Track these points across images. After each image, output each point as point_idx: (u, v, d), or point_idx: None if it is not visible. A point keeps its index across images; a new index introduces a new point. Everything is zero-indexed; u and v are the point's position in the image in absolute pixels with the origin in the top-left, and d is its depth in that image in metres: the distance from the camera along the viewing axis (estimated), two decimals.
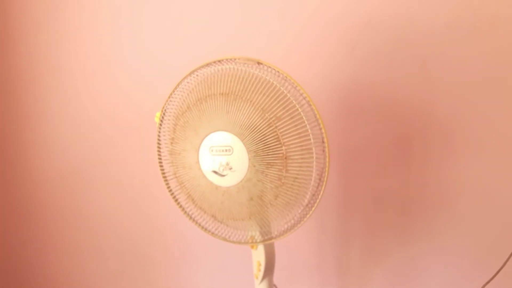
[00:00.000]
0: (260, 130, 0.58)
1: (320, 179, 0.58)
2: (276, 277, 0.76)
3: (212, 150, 0.62)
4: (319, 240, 0.97)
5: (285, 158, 0.57)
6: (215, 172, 0.62)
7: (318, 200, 0.59)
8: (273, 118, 0.57)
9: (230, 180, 0.61)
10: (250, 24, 0.95)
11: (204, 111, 0.62)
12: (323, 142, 0.57)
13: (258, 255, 0.76)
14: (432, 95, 0.85)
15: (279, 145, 0.57)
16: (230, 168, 0.61)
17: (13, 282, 1.16)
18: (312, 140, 0.56)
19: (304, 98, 0.58)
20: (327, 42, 0.91)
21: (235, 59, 0.62)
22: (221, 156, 0.61)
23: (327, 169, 0.57)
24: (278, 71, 0.59)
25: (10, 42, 1.03)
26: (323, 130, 0.57)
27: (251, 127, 0.58)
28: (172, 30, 0.99)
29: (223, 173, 0.62)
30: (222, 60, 0.63)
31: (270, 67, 0.60)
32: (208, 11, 0.96)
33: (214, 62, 0.63)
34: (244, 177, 0.60)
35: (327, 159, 0.57)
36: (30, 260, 1.15)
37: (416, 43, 0.85)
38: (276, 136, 0.57)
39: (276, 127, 0.57)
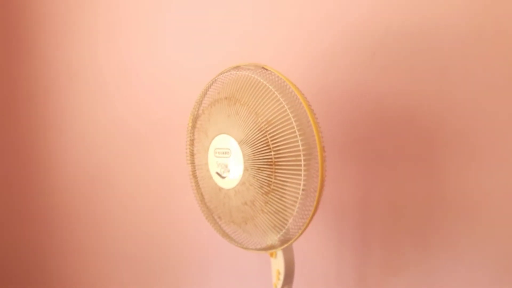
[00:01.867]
0: (253, 134, 0.57)
1: (312, 190, 0.55)
2: (295, 286, 0.74)
3: (216, 152, 0.63)
4: (338, 249, 0.96)
5: (273, 163, 0.55)
6: (217, 173, 0.64)
7: (311, 214, 0.55)
8: (264, 123, 0.56)
9: (229, 182, 0.62)
10: (268, 31, 0.94)
11: (212, 114, 0.65)
12: (316, 150, 0.54)
13: (278, 263, 0.74)
14: (452, 102, 0.83)
15: (268, 150, 0.56)
16: (229, 171, 0.61)
17: (30, 283, 1.18)
18: (300, 147, 0.53)
19: (300, 104, 0.55)
20: (347, 48, 0.89)
21: (243, 65, 0.63)
22: (222, 158, 0.62)
23: (319, 180, 0.53)
24: (279, 76, 0.58)
25: (34, 47, 1.04)
26: (316, 138, 0.54)
27: (245, 131, 0.58)
28: (192, 36, 0.98)
29: (223, 175, 0.63)
30: (239, 66, 0.64)
31: (273, 72, 0.59)
32: (221, 21, 0.95)
33: (231, 69, 0.65)
34: (240, 181, 0.60)
35: (320, 170, 0.53)
36: (48, 261, 1.17)
37: (437, 50, 0.83)
38: (265, 141, 0.56)
39: (266, 131, 0.56)
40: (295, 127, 0.54)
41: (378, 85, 0.89)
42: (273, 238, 0.59)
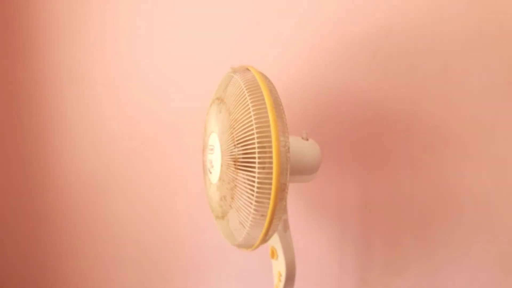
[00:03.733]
0: (225, 131, 0.60)
1: (266, 190, 0.55)
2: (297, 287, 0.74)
3: (208, 149, 0.68)
4: (341, 250, 0.95)
5: (236, 160, 0.58)
6: (208, 169, 0.68)
7: (268, 214, 0.55)
8: (233, 121, 0.59)
9: (214, 177, 0.65)
10: (267, 33, 0.92)
11: (209, 113, 0.70)
12: (270, 150, 0.54)
13: (279, 265, 0.74)
14: (453, 103, 0.83)
15: (233, 147, 0.58)
16: (212, 166, 0.65)
17: (33, 284, 1.17)
18: (256, 145, 0.55)
19: (265, 103, 0.56)
20: (348, 50, 0.86)
21: (234, 68, 0.66)
22: (210, 155, 0.67)
23: (274, 181, 0.54)
24: (255, 76, 0.60)
25: (34, 50, 1.02)
26: (273, 138, 0.54)
27: (221, 128, 0.62)
28: (190, 43, 0.97)
29: (210, 171, 0.67)
30: (232, 68, 0.68)
31: (254, 72, 0.61)
32: (226, 22, 0.94)
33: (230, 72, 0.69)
34: (219, 176, 0.63)
35: (274, 170, 0.53)
36: (50, 262, 1.15)
37: (437, 52, 0.82)
38: (232, 138, 0.58)
39: (233, 128, 0.58)
40: (253, 125, 0.55)
41: (379, 86, 0.86)
42: (241, 235, 0.60)
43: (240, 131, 0.57)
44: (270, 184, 0.53)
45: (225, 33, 0.94)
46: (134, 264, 1.09)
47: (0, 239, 1.13)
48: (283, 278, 0.74)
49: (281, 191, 0.55)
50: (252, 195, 0.55)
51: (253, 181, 0.54)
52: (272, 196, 0.53)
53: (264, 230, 0.56)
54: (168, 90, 0.98)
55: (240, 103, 0.58)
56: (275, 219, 0.56)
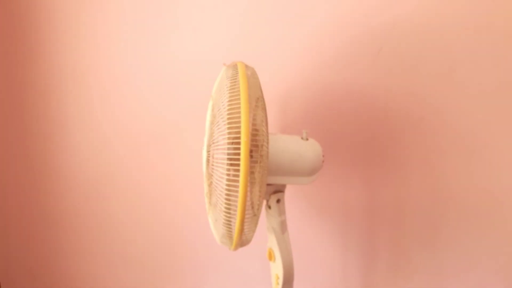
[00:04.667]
0: (208, 127, 0.60)
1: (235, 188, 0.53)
2: None
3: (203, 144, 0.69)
4: (344, 254, 0.93)
5: (212, 157, 0.57)
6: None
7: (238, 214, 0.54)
8: (213, 117, 0.58)
9: (204, 171, 0.66)
10: (268, 28, 0.88)
11: (208, 109, 0.70)
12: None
13: (276, 268, 0.73)
14: (461, 102, 0.80)
15: (211, 143, 0.58)
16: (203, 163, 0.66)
17: (35, 283, 1.16)
18: (226, 140, 0.54)
19: (238, 99, 0.55)
20: (351, 45, 0.83)
21: (228, 64, 0.66)
22: (203, 150, 0.67)
23: (242, 179, 0.52)
24: (238, 72, 0.59)
25: (40, 49, 1.01)
26: (242, 135, 0.52)
27: (207, 124, 0.62)
28: (190, 43, 0.94)
29: (203, 164, 0.67)
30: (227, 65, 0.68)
31: (239, 68, 0.60)
32: (227, 21, 0.91)
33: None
34: (204, 172, 0.63)
35: (241, 168, 0.52)
36: (51, 261, 1.14)
37: (445, 48, 0.79)
38: (211, 134, 0.58)
39: (213, 124, 0.58)
40: (226, 121, 0.54)
41: (384, 84, 0.83)
42: (219, 232, 0.60)
43: (216, 128, 0.56)
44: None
45: (225, 32, 0.92)
46: (137, 262, 1.09)
47: (5, 237, 1.14)
48: (280, 281, 0.72)
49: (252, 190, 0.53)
50: (223, 192, 0.54)
51: (223, 178, 0.54)
52: (240, 195, 0.52)
53: (237, 230, 0.55)
54: (167, 90, 0.97)
55: (220, 99, 0.57)
56: (246, 219, 0.55)
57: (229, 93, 0.55)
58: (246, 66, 0.62)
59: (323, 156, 0.69)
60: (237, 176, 0.52)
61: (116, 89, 1.00)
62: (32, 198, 1.11)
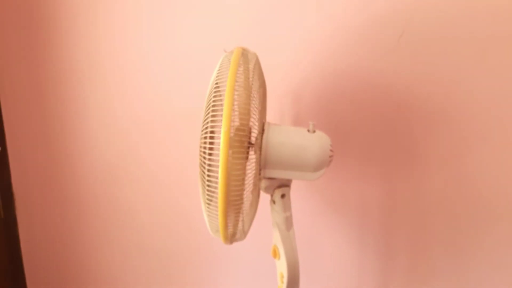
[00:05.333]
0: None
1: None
2: None
3: None
4: (359, 254, 0.88)
5: (200, 146, 0.56)
6: None
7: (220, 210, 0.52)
8: (207, 102, 0.57)
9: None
10: (283, 14, 0.82)
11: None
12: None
13: (281, 266, 0.70)
14: (493, 95, 0.72)
15: (201, 131, 0.56)
16: None
17: (62, 272, 1.20)
18: (209, 129, 0.52)
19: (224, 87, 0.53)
20: (369, 28, 0.76)
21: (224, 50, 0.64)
22: None
23: (221, 170, 0.50)
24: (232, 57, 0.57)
25: (55, 43, 1.02)
26: (223, 122, 0.50)
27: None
28: (201, 37, 0.91)
29: None
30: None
31: (234, 53, 0.58)
32: (239, 7, 0.86)
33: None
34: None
35: (221, 158, 0.50)
36: (74, 249, 1.17)
37: (474, 32, 0.71)
38: (202, 122, 0.57)
39: (204, 112, 0.57)
40: (210, 109, 0.53)
41: (406, 72, 0.76)
42: (207, 223, 0.59)
43: (204, 115, 0.55)
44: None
45: (240, 20, 0.88)
46: (156, 253, 1.10)
47: (28, 222, 1.19)
48: (285, 280, 0.69)
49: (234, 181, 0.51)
50: (204, 182, 0.53)
51: (204, 168, 0.52)
52: (220, 186, 0.50)
53: (221, 224, 0.53)
54: (183, 80, 0.96)
55: (210, 86, 0.56)
56: (229, 212, 0.53)
57: (217, 80, 0.54)
58: (243, 52, 0.59)
59: (332, 150, 0.64)
60: (216, 167, 0.50)
61: (133, 79, 1.00)
62: (53, 187, 1.13)
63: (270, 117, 0.84)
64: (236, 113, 0.54)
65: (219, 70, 0.55)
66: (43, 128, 1.10)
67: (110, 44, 1.00)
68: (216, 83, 0.53)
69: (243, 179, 0.53)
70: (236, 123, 0.54)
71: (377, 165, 0.82)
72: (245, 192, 0.55)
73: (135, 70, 0.99)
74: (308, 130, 0.64)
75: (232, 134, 0.53)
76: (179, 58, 0.95)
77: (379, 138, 0.81)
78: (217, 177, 0.49)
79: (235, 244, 0.97)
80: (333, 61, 0.81)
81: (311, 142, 0.62)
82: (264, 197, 0.72)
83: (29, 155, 1.13)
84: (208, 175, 0.51)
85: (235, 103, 0.52)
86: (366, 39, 0.78)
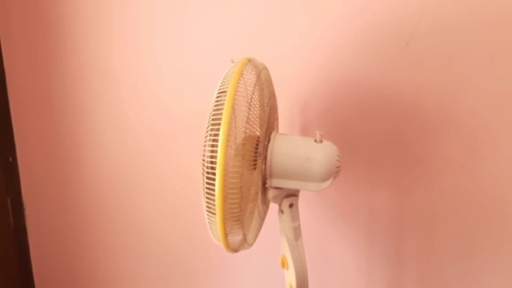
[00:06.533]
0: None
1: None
2: None
3: None
4: (369, 264, 0.87)
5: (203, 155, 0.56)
6: None
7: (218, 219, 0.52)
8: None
9: None
10: (290, 22, 0.82)
11: None
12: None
13: (290, 276, 0.70)
14: (501, 100, 0.72)
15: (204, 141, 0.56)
16: None
17: (71, 281, 1.19)
18: (208, 138, 0.52)
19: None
20: (376, 36, 0.76)
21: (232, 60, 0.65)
22: None
23: (218, 181, 0.50)
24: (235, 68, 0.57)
25: (64, 49, 1.01)
26: (221, 133, 0.50)
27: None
28: (211, 39, 0.91)
29: None
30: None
31: (238, 64, 0.59)
32: (246, 16, 0.87)
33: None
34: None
35: (218, 170, 0.50)
36: (83, 257, 1.16)
37: (481, 39, 0.71)
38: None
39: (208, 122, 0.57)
40: (210, 120, 0.53)
41: (412, 79, 0.76)
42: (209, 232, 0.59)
43: (207, 124, 0.55)
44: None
45: (245, 28, 0.88)
46: (160, 260, 1.09)
47: (38, 231, 1.18)
48: None
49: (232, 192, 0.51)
50: (204, 190, 0.53)
51: (204, 177, 0.52)
52: (217, 196, 0.50)
53: (220, 233, 0.53)
54: (189, 87, 0.96)
55: (214, 95, 0.56)
56: (228, 220, 0.53)
57: (218, 92, 0.54)
58: (248, 63, 0.59)
59: (339, 161, 0.63)
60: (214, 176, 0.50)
61: (145, 82, 1.00)
62: (64, 191, 1.13)
63: (279, 127, 0.84)
64: (241, 122, 0.54)
65: (223, 79, 0.55)
66: (52, 137, 1.10)
67: (123, 47, 1.00)
68: (220, 92, 0.53)
69: (241, 187, 0.53)
70: (241, 132, 0.54)
71: (386, 173, 0.81)
72: (245, 201, 0.55)
73: (146, 75, 0.99)
74: (315, 140, 0.64)
75: (236, 143, 0.53)
76: (193, 60, 0.95)
77: (388, 146, 0.80)
78: (215, 186, 0.49)
79: (242, 253, 0.97)
80: (341, 70, 0.80)
81: (316, 152, 0.62)
82: (272, 207, 0.71)
83: (38, 165, 1.13)
84: (208, 183, 0.51)
85: (240, 112, 0.52)
86: (372, 47, 0.77)
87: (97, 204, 1.12)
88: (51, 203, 1.15)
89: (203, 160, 0.53)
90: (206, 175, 0.51)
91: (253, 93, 0.55)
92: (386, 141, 0.80)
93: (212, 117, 0.51)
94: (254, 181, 0.58)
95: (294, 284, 0.67)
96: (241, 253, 0.94)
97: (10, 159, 1.13)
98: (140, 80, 1.00)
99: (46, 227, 1.18)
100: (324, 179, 0.62)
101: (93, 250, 1.16)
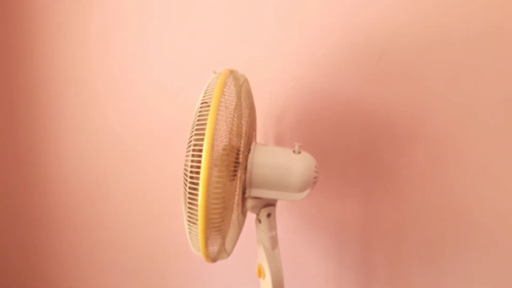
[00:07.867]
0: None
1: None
2: None
3: None
4: (339, 271, 0.89)
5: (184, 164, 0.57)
6: None
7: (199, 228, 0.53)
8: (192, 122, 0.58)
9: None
10: (268, 35, 0.86)
11: None
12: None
13: (266, 285, 0.70)
14: (465, 114, 0.75)
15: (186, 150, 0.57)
16: None
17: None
18: (191, 148, 0.53)
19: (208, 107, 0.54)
20: (349, 52, 0.79)
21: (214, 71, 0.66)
22: None
23: (201, 189, 0.51)
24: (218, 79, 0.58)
25: (33, 51, 1.00)
26: (205, 142, 0.51)
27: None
28: (190, 42, 0.92)
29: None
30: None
31: (221, 75, 0.60)
32: (228, 19, 0.89)
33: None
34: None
35: (201, 178, 0.50)
36: (41, 267, 1.13)
37: (448, 56, 0.75)
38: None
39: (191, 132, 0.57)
40: (194, 129, 0.54)
41: (384, 93, 0.79)
42: (189, 241, 0.59)
43: (189, 134, 0.56)
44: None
45: (218, 36, 0.90)
46: (135, 269, 1.07)
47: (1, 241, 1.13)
48: None
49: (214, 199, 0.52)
50: (186, 200, 0.53)
51: (186, 186, 0.53)
52: (200, 206, 0.51)
53: (201, 243, 0.54)
54: (170, 89, 0.95)
55: (197, 106, 0.57)
56: (210, 230, 0.53)
57: (202, 101, 0.55)
58: (230, 74, 0.61)
59: (317, 172, 0.65)
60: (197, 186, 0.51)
61: (119, 87, 0.98)
62: (29, 199, 1.10)
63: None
64: (223, 132, 0.55)
65: (206, 90, 0.56)
66: (16, 134, 1.07)
67: (95, 48, 0.99)
68: (203, 103, 0.54)
69: (223, 197, 0.54)
70: (223, 142, 0.55)
71: (357, 184, 0.83)
72: (227, 210, 0.56)
73: (128, 78, 0.99)
74: (294, 151, 0.65)
75: (218, 153, 0.54)
76: (168, 64, 0.95)
77: (359, 158, 0.82)
78: (197, 195, 0.50)
79: (219, 263, 0.96)
80: (315, 82, 0.83)
81: (295, 163, 0.63)
82: (249, 216, 0.72)
83: (9, 169, 1.10)
84: (190, 193, 0.51)
85: (222, 123, 0.53)
86: (346, 62, 0.80)
87: (68, 211, 1.09)
88: (15, 209, 1.13)
89: (185, 169, 0.53)
90: (188, 184, 0.51)
91: (236, 105, 0.56)
92: (357, 153, 0.82)
93: (195, 127, 0.52)
94: (234, 191, 0.59)
95: None
96: (217, 262, 0.96)
97: None
98: (116, 83, 0.99)
99: (8, 235, 1.15)
100: (302, 189, 0.64)
101: (55, 262, 1.13)
